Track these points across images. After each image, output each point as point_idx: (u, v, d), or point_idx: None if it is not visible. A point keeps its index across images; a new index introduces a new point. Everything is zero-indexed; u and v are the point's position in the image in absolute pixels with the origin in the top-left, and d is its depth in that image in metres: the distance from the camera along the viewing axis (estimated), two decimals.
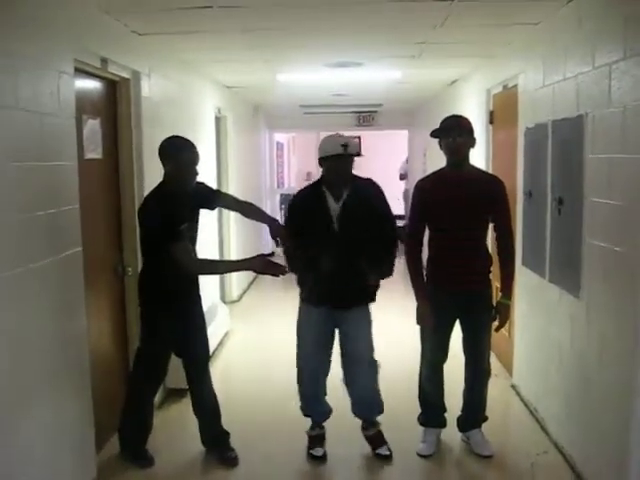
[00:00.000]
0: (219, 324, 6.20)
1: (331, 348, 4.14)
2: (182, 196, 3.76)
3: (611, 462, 3.38)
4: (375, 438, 4.20)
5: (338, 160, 3.86)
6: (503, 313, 3.98)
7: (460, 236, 3.90)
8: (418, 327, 4.08)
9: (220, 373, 4.66)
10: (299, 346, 4.16)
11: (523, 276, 4.93)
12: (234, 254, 8.26)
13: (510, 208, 4.02)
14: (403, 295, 9.20)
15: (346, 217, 3.91)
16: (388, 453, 4.13)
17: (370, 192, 4.03)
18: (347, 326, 4.06)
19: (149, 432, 4.09)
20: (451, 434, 4.27)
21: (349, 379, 4.18)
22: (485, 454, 4.09)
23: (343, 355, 4.13)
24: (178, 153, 3.78)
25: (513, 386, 5.06)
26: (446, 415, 4.23)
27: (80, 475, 3.61)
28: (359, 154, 3.95)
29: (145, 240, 3.86)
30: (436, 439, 4.20)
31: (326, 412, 4.28)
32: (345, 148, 3.83)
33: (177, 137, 3.93)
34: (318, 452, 4.16)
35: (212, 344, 4.79)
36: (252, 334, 7.08)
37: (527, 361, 4.92)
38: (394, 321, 7.45)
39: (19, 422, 2.94)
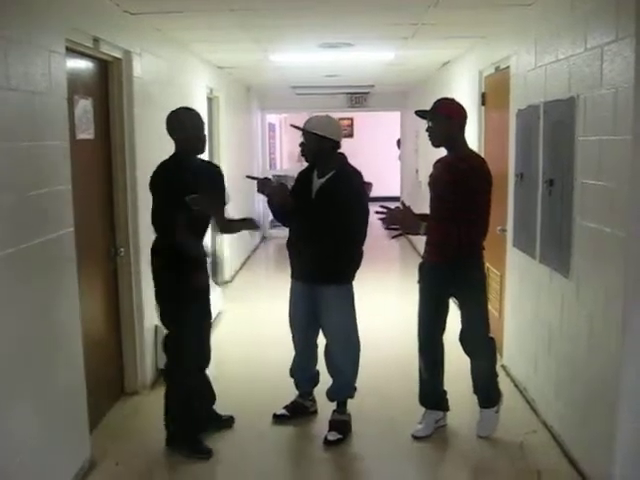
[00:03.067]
0: (211, 305, 6.20)
1: (314, 323, 4.23)
2: (193, 166, 3.83)
3: (599, 441, 3.42)
4: (333, 423, 4.22)
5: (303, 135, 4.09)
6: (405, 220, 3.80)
7: (432, 215, 4.00)
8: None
9: (213, 353, 4.64)
10: (289, 319, 4.36)
11: (514, 257, 4.96)
12: (227, 245, 8.25)
13: (479, 198, 3.78)
14: (399, 277, 9.33)
15: (322, 195, 4.02)
16: (332, 439, 4.11)
17: (347, 184, 4.04)
18: (321, 303, 4.14)
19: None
20: (455, 417, 4.30)
21: (325, 355, 4.29)
22: (478, 434, 4.14)
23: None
24: (184, 122, 3.84)
25: (503, 366, 5.10)
26: (447, 397, 4.25)
27: (74, 454, 3.63)
28: (305, 130, 4.02)
29: (156, 211, 3.84)
30: (433, 422, 4.20)
31: (305, 383, 4.44)
32: (305, 124, 4.06)
33: (180, 108, 4.00)
34: (279, 411, 4.41)
35: None
36: (244, 314, 7.10)
37: (517, 341, 4.96)
38: (391, 302, 7.53)
39: (13, 402, 2.95)
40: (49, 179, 3.35)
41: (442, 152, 4.09)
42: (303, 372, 4.42)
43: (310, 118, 4.10)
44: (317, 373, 4.45)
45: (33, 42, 3.20)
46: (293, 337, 4.36)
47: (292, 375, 4.45)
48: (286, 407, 4.43)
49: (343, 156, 4.13)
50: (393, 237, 4.02)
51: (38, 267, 3.22)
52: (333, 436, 4.12)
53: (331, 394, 4.29)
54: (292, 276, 4.29)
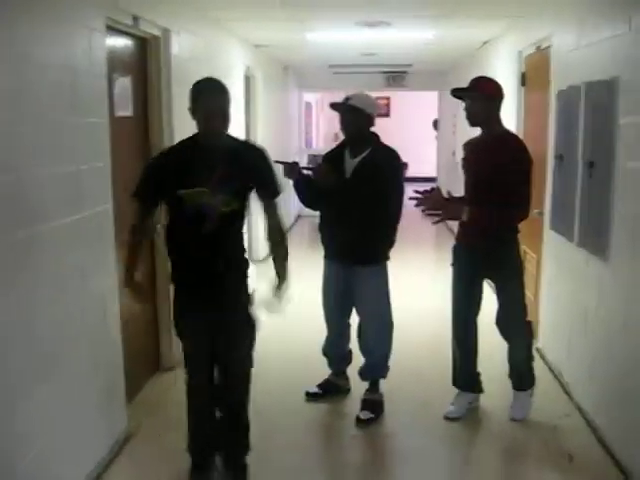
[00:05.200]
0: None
1: (347, 302, 4.24)
2: (206, 152, 3.14)
3: (633, 426, 3.40)
4: (366, 402, 4.23)
5: (339, 111, 4.04)
6: (447, 206, 3.80)
7: (469, 198, 3.97)
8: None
9: None
10: (322, 298, 4.37)
11: (551, 240, 4.91)
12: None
13: (523, 178, 3.76)
14: (433, 256, 9.29)
15: (360, 174, 3.98)
16: (364, 418, 4.12)
17: (385, 160, 4.03)
18: (356, 283, 4.14)
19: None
20: (488, 399, 4.30)
21: (358, 334, 4.31)
22: (511, 416, 4.11)
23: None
24: (198, 96, 3.14)
25: (538, 349, 5.06)
26: (481, 379, 4.24)
27: (111, 426, 3.71)
28: (356, 108, 3.96)
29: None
30: (466, 403, 4.20)
31: (338, 361, 4.47)
32: (346, 100, 4.00)
33: (203, 78, 3.25)
34: (312, 388, 4.46)
35: None
36: None
37: (552, 325, 4.92)
38: (425, 282, 7.51)
39: (53, 372, 3.02)
40: (89, 155, 3.39)
41: (475, 133, 4.06)
42: (336, 351, 4.45)
43: (353, 94, 4.07)
44: (350, 352, 4.47)
45: (74, 21, 3.24)
46: (326, 316, 4.38)
47: (325, 354, 4.47)
48: (319, 385, 4.46)
49: (377, 135, 4.12)
50: (434, 223, 3.96)
51: (78, 242, 3.27)
52: (365, 415, 4.14)
53: (364, 373, 4.31)
54: (325, 257, 4.29)
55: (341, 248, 4.09)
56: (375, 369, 4.29)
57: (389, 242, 4.13)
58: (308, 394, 4.43)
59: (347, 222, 3.98)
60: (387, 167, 3.99)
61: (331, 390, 4.45)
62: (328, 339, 4.42)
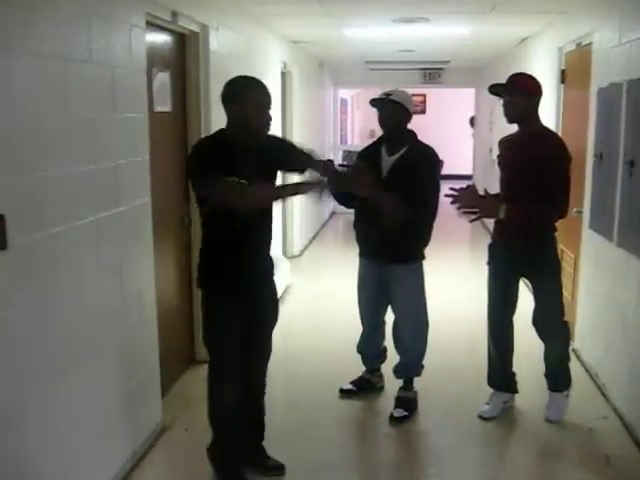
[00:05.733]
0: (280, 279, 6.28)
1: (383, 300, 4.23)
2: (241, 147, 3.08)
3: None
4: (400, 400, 4.22)
5: (378, 106, 4.02)
6: (484, 204, 3.79)
7: (505, 195, 3.93)
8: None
9: (280, 328, 4.73)
10: (357, 296, 4.35)
11: (589, 239, 4.85)
12: (297, 219, 8.33)
13: (562, 175, 3.70)
14: (468, 254, 9.24)
15: (397, 172, 3.96)
16: (398, 415, 4.11)
17: (423, 157, 4.01)
18: (391, 281, 4.13)
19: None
20: (523, 399, 4.27)
21: (393, 332, 4.31)
22: (547, 418, 4.07)
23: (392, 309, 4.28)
24: (246, 89, 3.09)
25: (574, 350, 5.01)
26: (516, 379, 4.20)
27: (147, 418, 3.76)
28: (397, 102, 3.95)
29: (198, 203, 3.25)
30: (501, 403, 4.17)
31: (372, 359, 4.47)
32: (386, 95, 3.98)
33: (244, 76, 3.23)
34: (346, 385, 4.44)
35: None
36: (313, 289, 7.15)
37: (590, 325, 4.86)
38: (460, 280, 7.47)
39: (89, 366, 3.06)
40: (128, 150, 3.42)
41: (513, 130, 4.02)
42: (370, 348, 4.44)
43: (393, 90, 4.06)
44: (384, 349, 4.47)
45: (114, 17, 3.27)
46: (361, 314, 4.37)
47: (359, 351, 4.47)
48: (353, 382, 4.46)
49: (414, 133, 4.10)
50: (471, 221, 3.92)
51: (117, 236, 3.31)
52: (399, 413, 4.13)
53: (398, 371, 4.30)
54: (360, 255, 4.27)
55: (376, 246, 4.08)
56: (410, 367, 4.28)
57: (425, 240, 4.11)
58: (342, 391, 4.43)
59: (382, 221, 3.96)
60: (425, 166, 3.97)
61: (365, 387, 4.45)
62: (363, 336, 4.42)
